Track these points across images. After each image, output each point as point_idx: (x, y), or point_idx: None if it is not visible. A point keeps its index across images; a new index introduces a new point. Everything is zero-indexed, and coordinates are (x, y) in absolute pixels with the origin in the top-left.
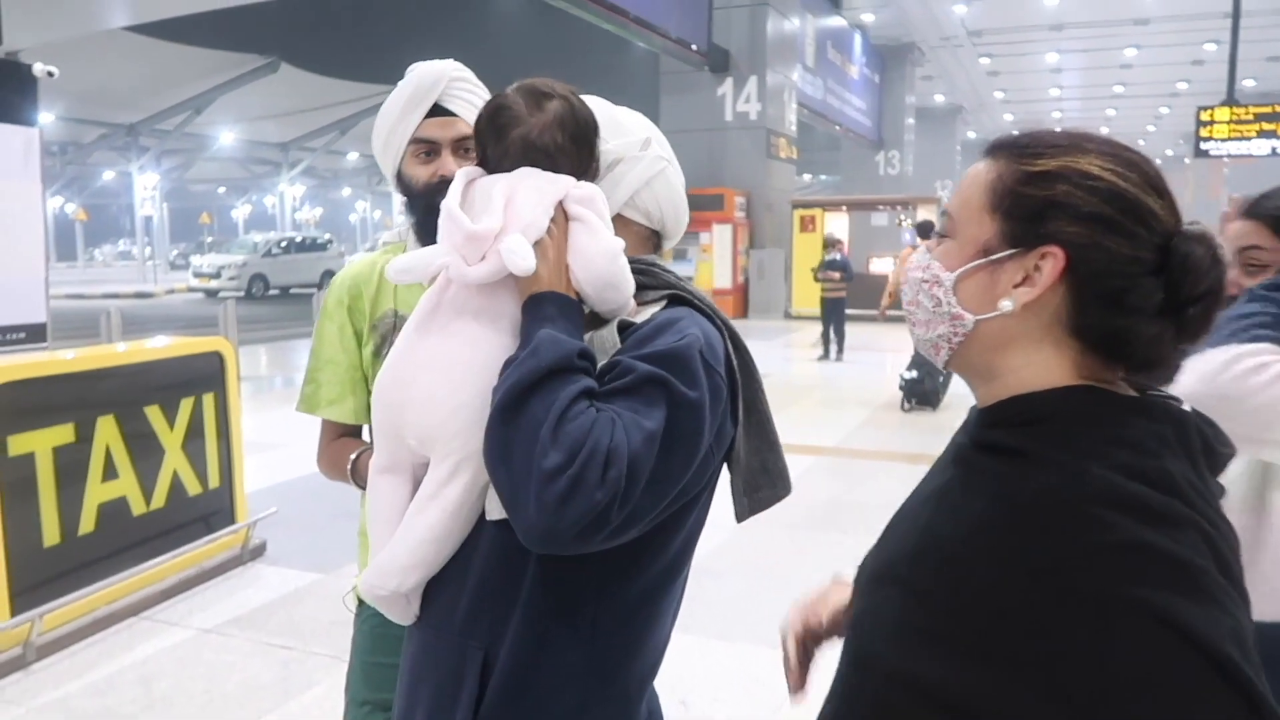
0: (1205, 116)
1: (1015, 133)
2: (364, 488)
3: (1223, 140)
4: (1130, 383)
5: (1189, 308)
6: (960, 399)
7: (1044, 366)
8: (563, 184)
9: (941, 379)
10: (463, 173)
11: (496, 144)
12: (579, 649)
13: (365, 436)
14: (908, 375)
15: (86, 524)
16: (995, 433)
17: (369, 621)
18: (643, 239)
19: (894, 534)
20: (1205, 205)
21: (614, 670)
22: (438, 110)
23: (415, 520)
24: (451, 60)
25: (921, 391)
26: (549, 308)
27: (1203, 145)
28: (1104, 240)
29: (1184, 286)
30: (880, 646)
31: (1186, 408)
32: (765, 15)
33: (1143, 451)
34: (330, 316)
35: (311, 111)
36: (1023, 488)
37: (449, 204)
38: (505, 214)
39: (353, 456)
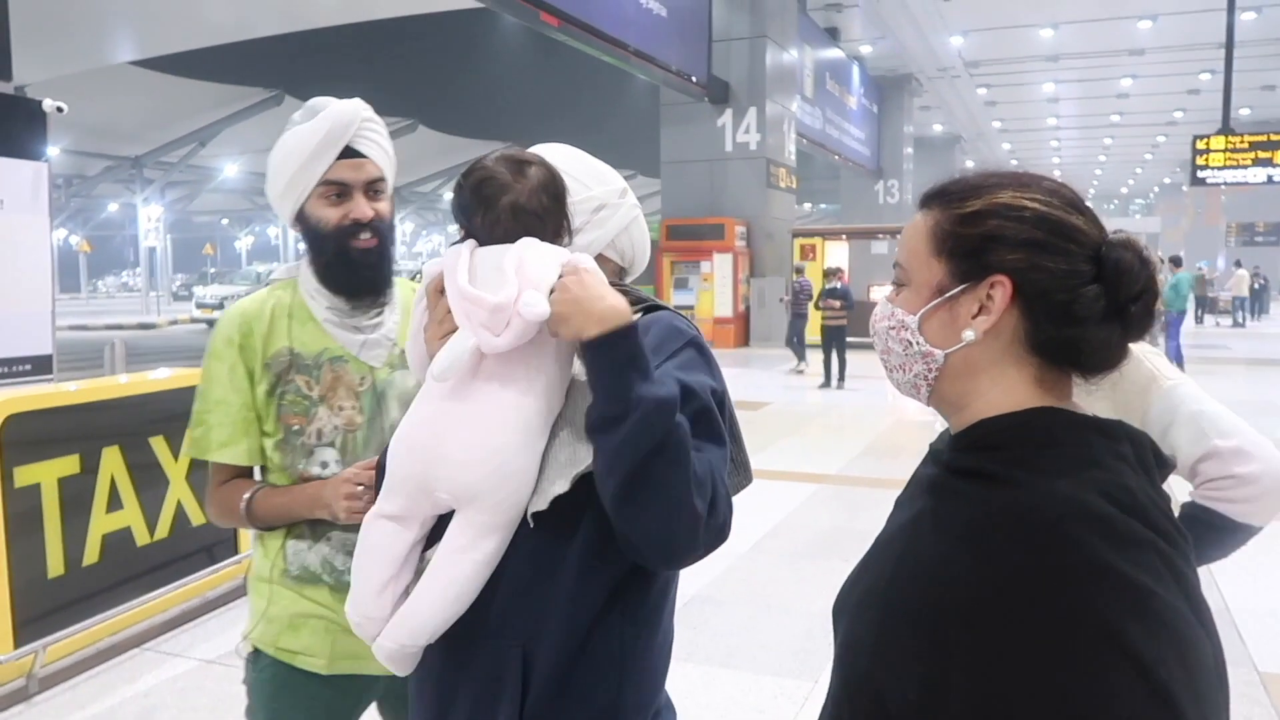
0: (1201, 145)
1: (938, 183)
2: (261, 528)
3: (1219, 169)
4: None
5: (1130, 307)
6: None
7: (1010, 386)
8: (562, 249)
9: None
10: (463, 248)
11: (486, 212)
12: (616, 633)
13: (256, 476)
14: None
15: (91, 555)
16: (966, 457)
17: (268, 670)
18: (613, 274)
19: (871, 566)
20: (1205, 232)
21: (644, 650)
22: (349, 152)
23: (448, 573)
24: (358, 99)
25: None
26: (616, 351)
27: (1199, 174)
28: (1041, 260)
29: (1120, 289)
30: (866, 666)
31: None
32: (764, 47)
33: (1106, 469)
34: (219, 356)
35: None
36: (995, 508)
37: (462, 285)
38: (518, 280)
39: (246, 496)
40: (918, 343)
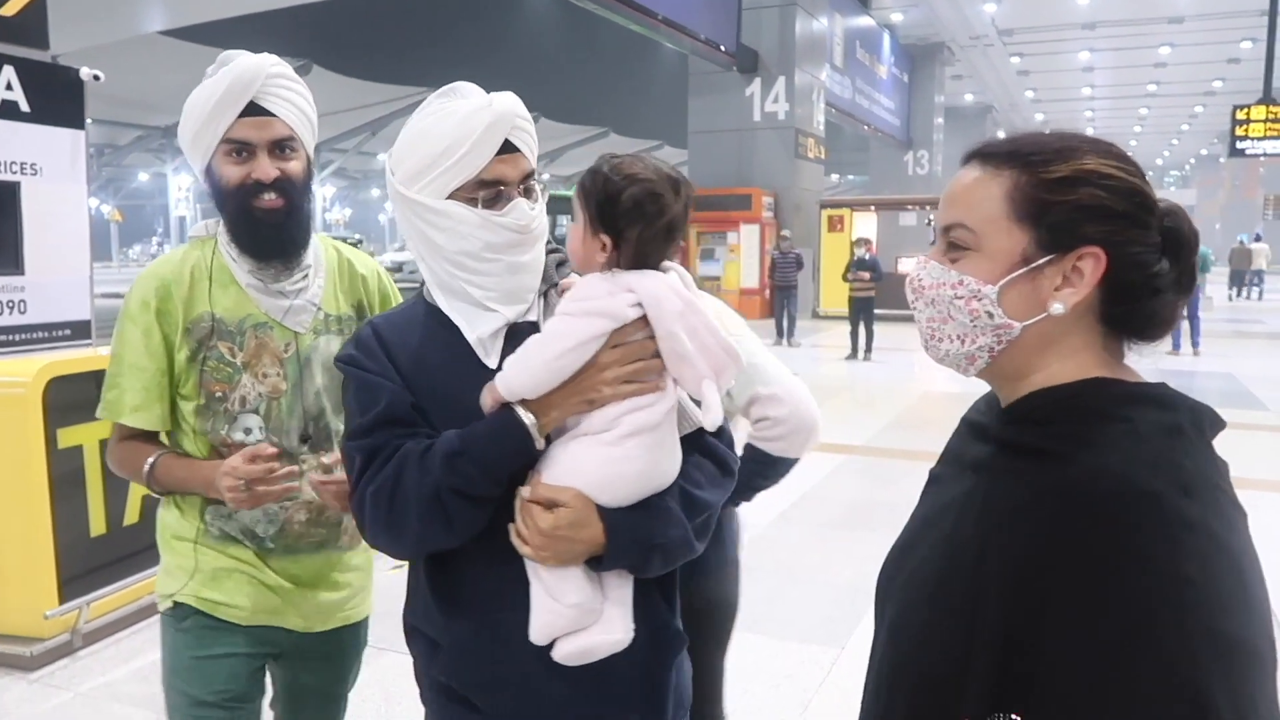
0: (1241, 115)
1: (1004, 138)
2: (161, 493)
3: (1259, 139)
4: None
5: (1185, 275)
6: None
7: (1076, 357)
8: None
9: None
10: (671, 280)
11: (645, 228)
12: None
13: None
14: None
15: (131, 514)
16: (1019, 431)
17: (190, 620)
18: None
19: (915, 547)
20: (1241, 204)
21: None
22: (254, 109)
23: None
24: (270, 55)
25: None
26: None
27: (1238, 144)
28: (1132, 233)
29: (1183, 256)
30: (914, 650)
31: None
32: (794, 15)
33: (1156, 444)
34: (133, 319)
35: (343, 113)
36: (1045, 486)
37: (723, 337)
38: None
39: (150, 461)
40: (996, 314)
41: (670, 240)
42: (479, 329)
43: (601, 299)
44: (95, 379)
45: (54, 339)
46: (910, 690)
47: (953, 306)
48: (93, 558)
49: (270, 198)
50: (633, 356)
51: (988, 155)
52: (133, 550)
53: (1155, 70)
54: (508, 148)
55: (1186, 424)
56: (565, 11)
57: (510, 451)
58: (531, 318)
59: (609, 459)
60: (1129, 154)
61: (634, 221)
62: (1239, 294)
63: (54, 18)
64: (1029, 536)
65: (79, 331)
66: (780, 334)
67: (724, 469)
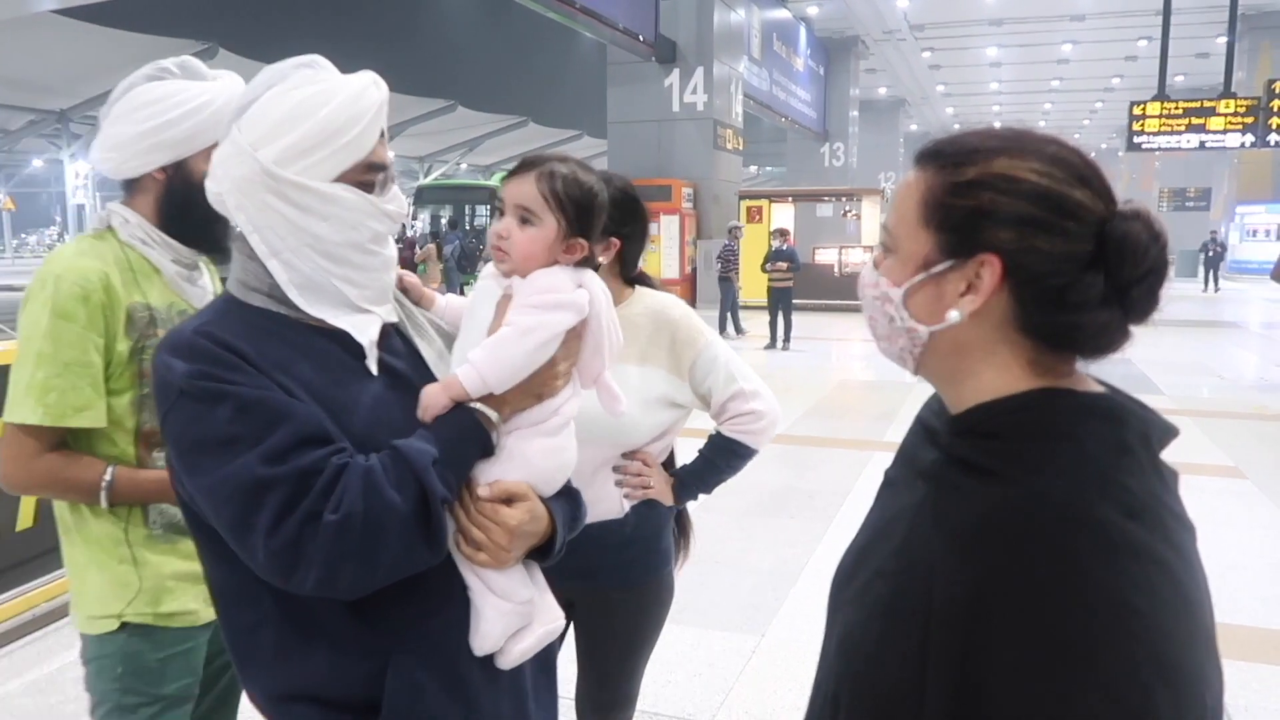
0: (1138, 111)
1: (941, 137)
2: (111, 505)
3: (1154, 134)
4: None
5: (1132, 290)
6: None
7: (1002, 367)
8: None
9: None
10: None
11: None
12: None
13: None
14: None
15: (25, 519)
16: (964, 445)
17: (139, 638)
18: None
19: (870, 553)
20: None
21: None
22: None
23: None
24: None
25: None
26: None
27: (1135, 139)
28: (1036, 242)
29: (1124, 270)
30: (862, 663)
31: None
32: (712, 6)
33: (1105, 464)
34: (70, 316)
35: None
36: (989, 508)
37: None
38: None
39: (108, 478)
40: (901, 317)
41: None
42: (367, 333)
43: (567, 292)
44: None
45: None
46: (866, 710)
47: (874, 306)
48: None
49: None
50: (575, 349)
51: (918, 155)
52: (25, 557)
53: (1058, 66)
54: (382, 131)
55: (1135, 440)
56: (484, 0)
57: (478, 452)
58: (393, 319)
59: (552, 449)
60: (1072, 151)
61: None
62: None
63: None
64: (975, 561)
65: None
66: (774, 339)
67: None
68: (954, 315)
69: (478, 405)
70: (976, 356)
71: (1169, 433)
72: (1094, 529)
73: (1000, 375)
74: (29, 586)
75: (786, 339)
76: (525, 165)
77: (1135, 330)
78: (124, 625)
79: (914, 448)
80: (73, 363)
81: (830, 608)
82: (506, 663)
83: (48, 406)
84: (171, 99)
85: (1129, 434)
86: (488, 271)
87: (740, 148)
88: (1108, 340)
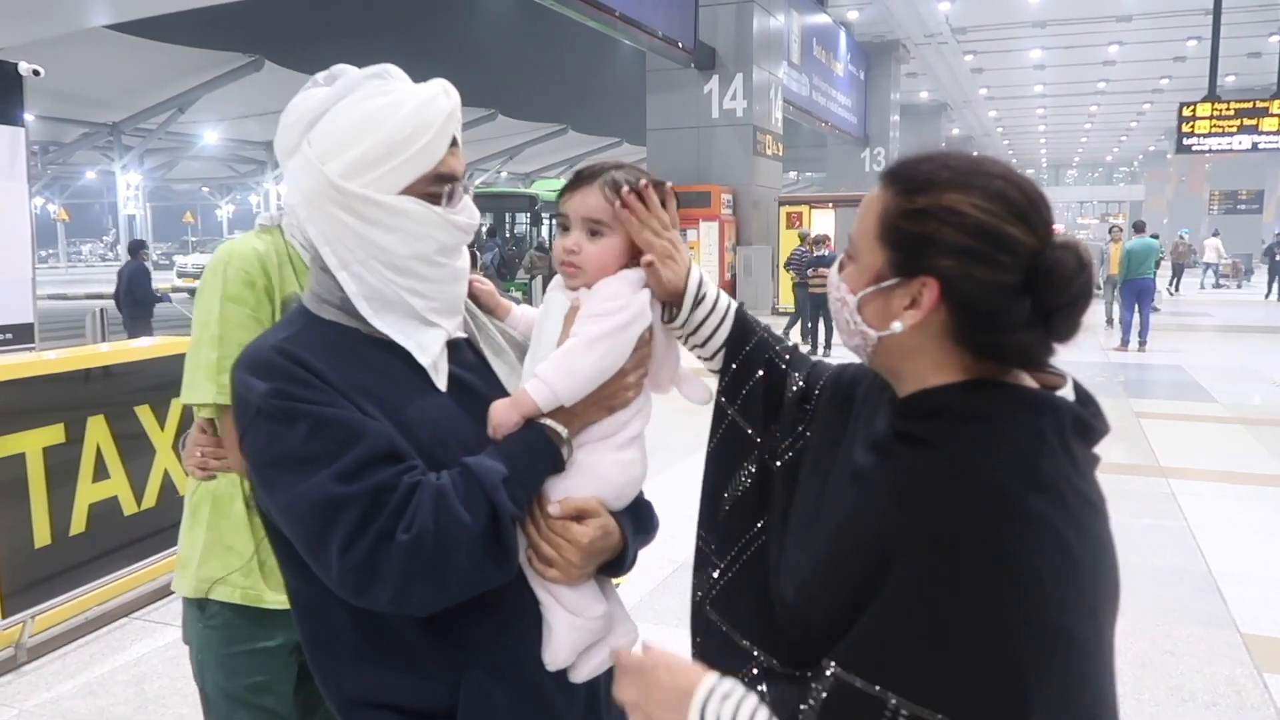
0: (1188, 112)
1: (905, 159)
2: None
3: (1204, 136)
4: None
5: (1056, 315)
6: None
7: (941, 369)
8: None
9: None
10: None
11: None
12: None
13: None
14: None
15: (78, 524)
16: (906, 422)
17: (219, 615)
18: None
19: (830, 506)
20: (1188, 200)
21: None
22: None
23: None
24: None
25: None
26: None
27: (1185, 141)
28: (971, 270)
29: (1049, 297)
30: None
31: (1067, 393)
32: (751, 12)
33: (1018, 444)
34: (239, 300)
35: None
36: (919, 470)
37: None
38: None
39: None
40: (855, 321)
41: None
42: (431, 349)
43: (634, 300)
44: (39, 384)
45: None
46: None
47: (836, 307)
48: (37, 570)
49: None
50: (645, 357)
51: (882, 174)
52: (79, 561)
53: (1104, 68)
54: (453, 140)
55: (1049, 427)
56: (523, 9)
57: (548, 468)
58: (462, 333)
59: (623, 463)
60: (1014, 185)
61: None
62: (1176, 288)
63: None
64: (906, 515)
65: (21, 335)
66: (814, 345)
67: None
68: (897, 326)
69: (547, 421)
70: (920, 360)
71: (1091, 428)
72: (999, 497)
73: (939, 376)
74: (81, 590)
75: (828, 345)
76: (585, 177)
77: (1189, 337)
78: (208, 600)
79: (870, 417)
80: (245, 344)
81: (778, 545)
82: (579, 677)
83: (221, 386)
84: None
85: (1044, 422)
86: (555, 283)
87: (780, 153)
88: (1031, 356)
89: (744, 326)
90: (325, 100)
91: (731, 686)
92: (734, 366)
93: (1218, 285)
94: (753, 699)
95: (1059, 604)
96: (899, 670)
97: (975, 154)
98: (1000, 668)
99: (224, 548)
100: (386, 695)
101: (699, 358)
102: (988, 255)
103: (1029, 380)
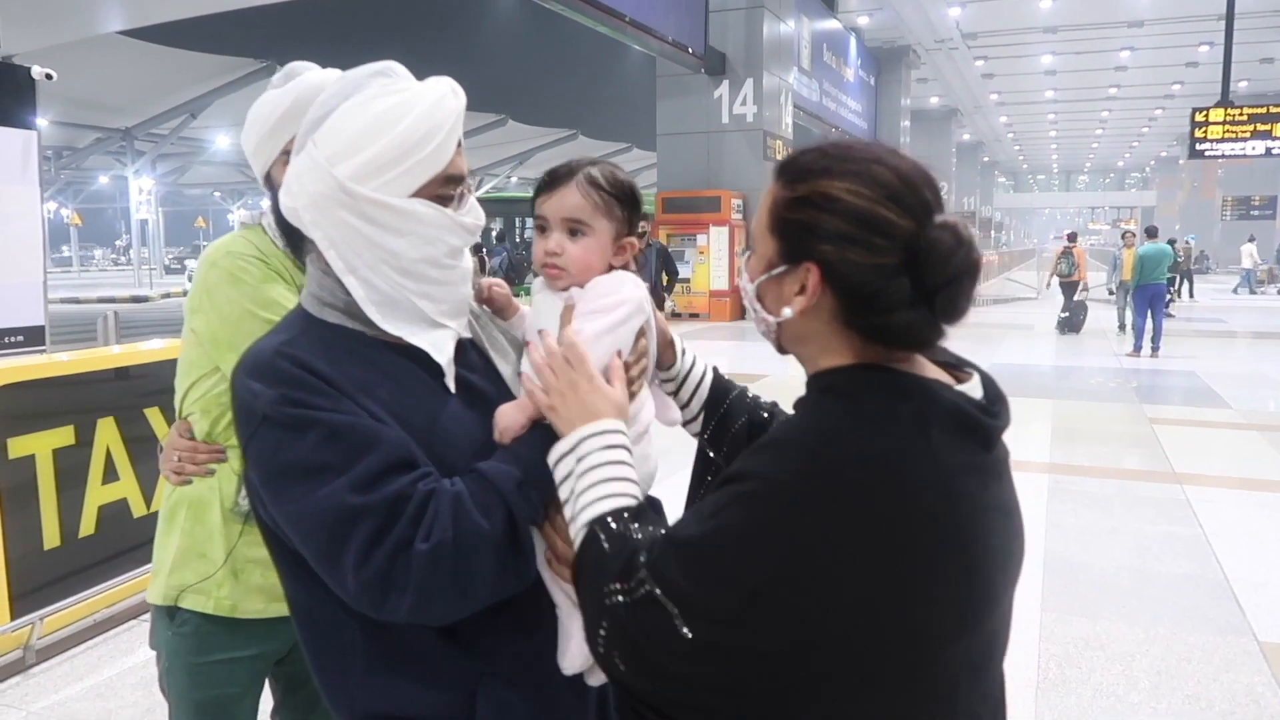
0: (1200, 117)
1: (792, 153)
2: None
3: (1217, 141)
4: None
5: (938, 294)
6: None
7: (835, 353)
8: None
9: (1081, 315)
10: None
11: (639, 218)
12: None
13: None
14: (1062, 315)
15: (87, 526)
16: (810, 394)
17: (189, 624)
18: None
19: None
20: (1200, 205)
21: None
22: None
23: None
24: (334, 70)
25: (1072, 323)
26: None
27: (1197, 146)
28: (849, 254)
29: (928, 277)
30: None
31: (972, 388)
32: (761, 18)
33: (879, 426)
34: (239, 284)
35: None
36: (789, 431)
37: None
38: None
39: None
40: (755, 308)
41: None
42: (445, 349)
43: (631, 293)
44: (49, 387)
45: (5, 345)
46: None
47: (743, 297)
48: (46, 571)
49: None
50: (643, 352)
51: (775, 168)
52: (88, 563)
53: (1116, 74)
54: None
55: (906, 412)
56: (533, 14)
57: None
58: (467, 334)
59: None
60: (892, 168)
61: (637, 220)
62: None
63: (7, 17)
64: (773, 465)
65: (32, 338)
66: None
67: None
68: (787, 311)
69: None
70: (814, 344)
71: (980, 425)
72: (825, 467)
73: (832, 358)
74: (90, 593)
75: None
76: (560, 176)
77: (1203, 343)
78: (177, 608)
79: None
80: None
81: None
82: (597, 680)
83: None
84: (253, 109)
85: (908, 406)
86: (539, 285)
87: None
88: (917, 336)
89: (723, 383)
90: (331, 99)
91: (619, 441)
92: (716, 419)
93: (1253, 291)
94: (627, 474)
95: (859, 577)
96: (663, 561)
97: (861, 141)
98: (745, 587)
99: (198, 555)
100: (401, 707)
101: (682, 421)
102: (863, 238)
103: (932, 371)
